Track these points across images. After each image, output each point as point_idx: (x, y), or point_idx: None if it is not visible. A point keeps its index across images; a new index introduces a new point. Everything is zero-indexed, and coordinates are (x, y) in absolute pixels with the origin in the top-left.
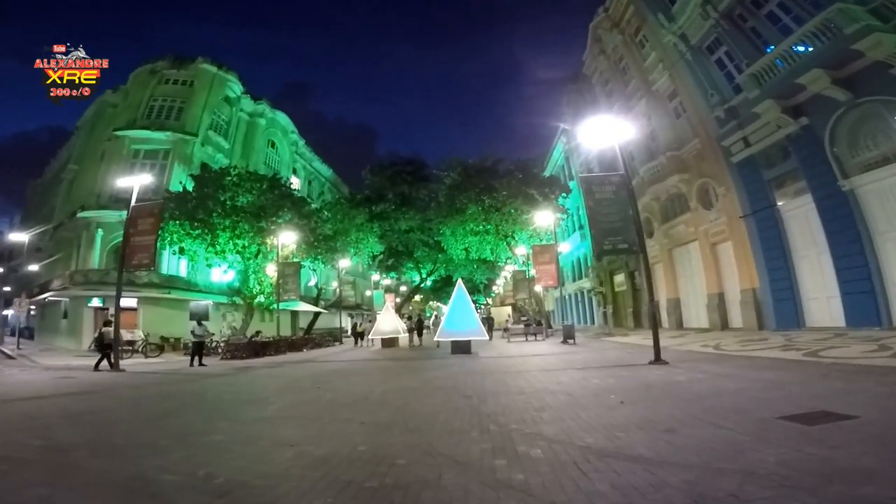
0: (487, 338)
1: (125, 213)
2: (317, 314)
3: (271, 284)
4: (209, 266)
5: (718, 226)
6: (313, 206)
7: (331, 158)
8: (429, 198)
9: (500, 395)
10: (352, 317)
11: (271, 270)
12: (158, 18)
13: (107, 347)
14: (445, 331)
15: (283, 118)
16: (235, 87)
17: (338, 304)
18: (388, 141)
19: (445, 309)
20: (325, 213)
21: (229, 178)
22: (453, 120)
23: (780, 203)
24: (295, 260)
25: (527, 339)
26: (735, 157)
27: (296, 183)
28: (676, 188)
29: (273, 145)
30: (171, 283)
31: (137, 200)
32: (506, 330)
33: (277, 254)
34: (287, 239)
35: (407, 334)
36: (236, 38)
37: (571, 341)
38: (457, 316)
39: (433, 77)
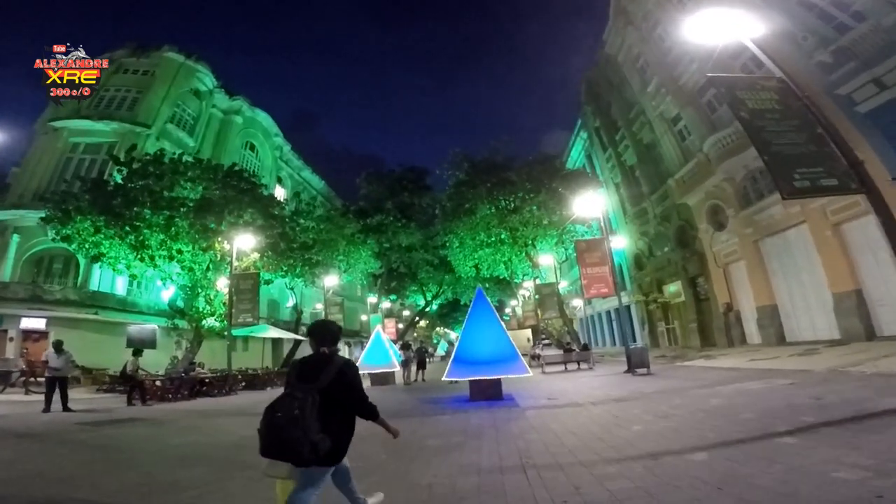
0: (528, 372)
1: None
2: (297, 342)
3: (224, 303)
4: (133, 278)
5: (844, 198)
6: (288, 208)
7: (335, 187)
8: (432, 209)
9: None
10: (349, 345)
11: (224, 285)
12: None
13: (132, 380)
14: (459, 363)
15: (264, 118)
16: (207, 80)
17: None
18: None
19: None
20: (304, 221)
21: (166, 163)
22: (460, 140)
23: None
24: (260, 272)
25: (566, 369)
26: (862, 105)
27: (280, 193)
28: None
29: (252, 148)
30: (99, 301)
31: (62, 195)
32: (535, 357)
33: (231, 263)
34: (245, 244)
35: (404, 368)
36: (244, 65)
37: (644, 370)
38: (477, 338)
39: (438, 101)
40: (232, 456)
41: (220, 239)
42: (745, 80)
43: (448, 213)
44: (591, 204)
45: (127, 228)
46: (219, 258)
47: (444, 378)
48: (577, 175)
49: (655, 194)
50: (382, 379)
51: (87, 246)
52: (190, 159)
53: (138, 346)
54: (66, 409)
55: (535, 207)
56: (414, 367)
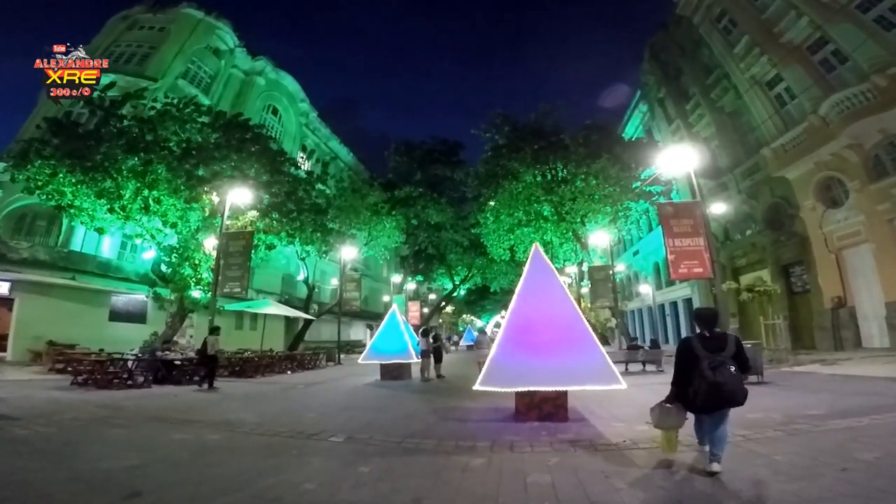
0: (621, 382)
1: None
2: (307, 322)
3: (211, 269)
4: (100, 232)
5: None
6: (301, 171)
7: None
8: (464, 185)
9: None
10: (371, 328)
11: (212, 247)
12: None
13: (212, 361)
14: (504, 363)
15: (289, 81)
16: (228, 39)
17: (338, 309)
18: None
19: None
20: (321, 186)
21: (147, 104)
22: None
23: None
24: (259, 233)
25: (627, 370)
26: None
27: (304, 163)
28: None
29: (275, 112)
30: (75, 263)
31: (28, 141)
32: None
33: (223, 221)
34: (242, 198)
35: (423, 359)
36: (280, 51)
37: (754, 378)
38: (532, 325)
39: (476, 87)
40: None
41: (207, 189)
42: None
43: (482, 179)
44: (679, 159)
45: (93, 175)
46: (207, 214)
47: (475, 387)
48: (640, 144)
49: (740, 168)
50: (395, 372)
51: (50, 194)
52: (185, 98)
53: (125, 319)
54: None
55: (590, 178)
56: (431, 361)
